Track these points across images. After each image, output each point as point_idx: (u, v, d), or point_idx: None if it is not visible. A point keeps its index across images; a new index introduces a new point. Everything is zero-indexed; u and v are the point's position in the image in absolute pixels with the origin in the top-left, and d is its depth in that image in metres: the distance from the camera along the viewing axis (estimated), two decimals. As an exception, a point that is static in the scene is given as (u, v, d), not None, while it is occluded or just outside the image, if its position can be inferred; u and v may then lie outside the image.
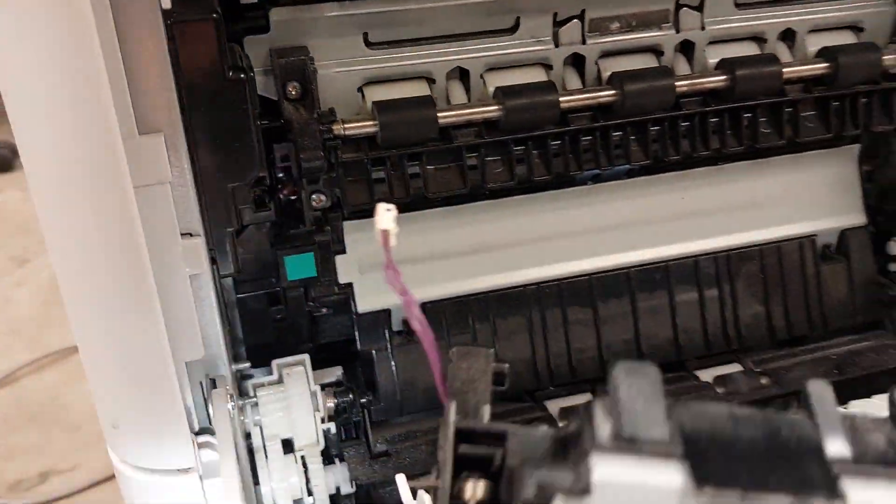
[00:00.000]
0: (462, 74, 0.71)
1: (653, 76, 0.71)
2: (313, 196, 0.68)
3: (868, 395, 0.61)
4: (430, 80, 0.69)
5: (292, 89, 0.64)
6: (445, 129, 0.68)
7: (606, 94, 0.70)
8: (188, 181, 0.52)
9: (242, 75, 0.54)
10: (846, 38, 0.78)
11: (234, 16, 0.62)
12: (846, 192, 0.85)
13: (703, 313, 0.81)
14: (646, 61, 0.74)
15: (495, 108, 0.68)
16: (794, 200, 0.84)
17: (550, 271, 0.77)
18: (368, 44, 0.67)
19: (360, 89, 0.68)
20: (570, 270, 0.77)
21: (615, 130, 0.73)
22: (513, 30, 0.70)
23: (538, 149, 0.72)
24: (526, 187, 0.73)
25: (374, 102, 0.66)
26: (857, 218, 0.85)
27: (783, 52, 0.77)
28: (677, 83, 0.71)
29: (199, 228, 0.53)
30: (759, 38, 0.76)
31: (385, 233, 0.42)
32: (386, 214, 0.42)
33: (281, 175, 0.66)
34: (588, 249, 0.78)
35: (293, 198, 0.69)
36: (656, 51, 0.74)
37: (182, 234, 0.52)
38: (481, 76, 0.70)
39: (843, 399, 0.61)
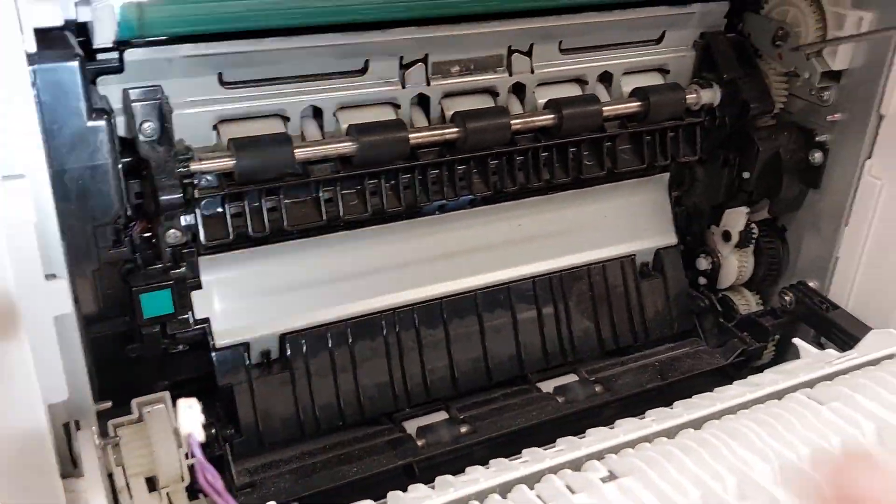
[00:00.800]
0: (315, 113, 0.74)
1: (490, 115, 0.77)
2: (169, 232, 0.69)
3: (689, 396, 0.69)
4: (285, 119, 0.72)
5: (148, 128, 0.65)
6: (302, 164, 0.71)
7: (451, 132, 0.76)
8: (53, 222, 0.51)
9: (104, 118, 0.54)
10: (655, 79, 0.88)
11: (88, 57, 0.62)
12: (659, 216, 0.96)
13: (542, 329, 0.88)
14: (483, 101, 0.80)
15: (349, 143, 0.71)
16: (616, 225, 0.93)
17: (404, 297, 0.81)
18: (223, 83, 0.69)
19: (215, 127, 0.70)
20: (422, 296, 0.82)
21: (459, 164, 0.78)
22: (363, 71, 0.74)
23: (390, 182, 0.76)
24: (379, 218, 0.77)
25: (230, 139, 0.68)
26: (669, 238, 0.96)
27: (602, 92, 0.86)
28: (512, 121, 0.78)
29: (62, 270, 0.53)
30: (580, 80, 0.85)
31: (190, 436, 0.37)
32: (188, 413, 0.37)
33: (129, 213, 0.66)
34: (438, 275, 0.83)
35: (147, 234, 0.70)
36: (492, 92, 0.80)
37: (46, 276, 0.52)
38: (334, 114, 0.74)
39: (668, 401, 0.68)
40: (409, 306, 0.81)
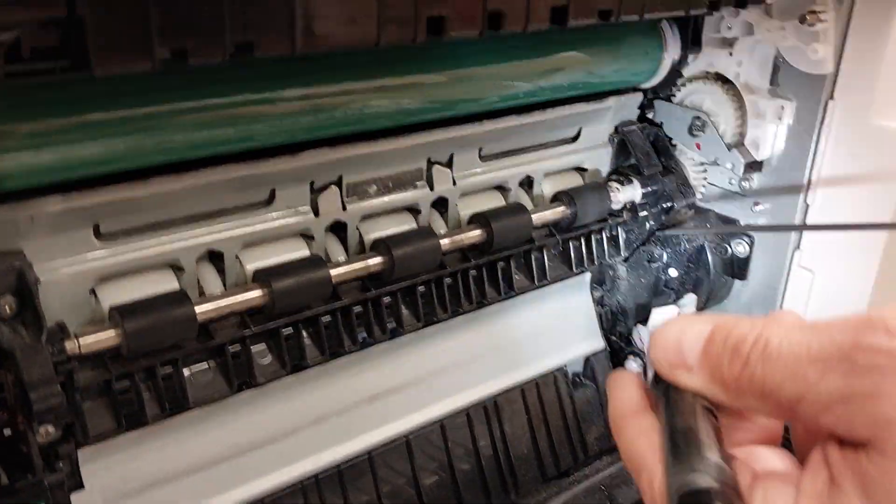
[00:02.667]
0: (214, 256, 0.61)
1: (418, 238, 0.67)
2: (41, 430, 0.54)
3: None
4: (178, 269, 0.59)
5: (6, 306, 0.50)
6: (204, 324, 0.58)
7: (375, 262, 0.65)
8: None
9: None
10: (575, 179, 0.82)
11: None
12: (584, 319, 0.89)
13: (480, 463, 0.78)
14: (403, 220, 0.70)
15: (260, 293, 0.59)
16: (543, 334, 0.85)
17: (325, 458, 0.69)
18: (99, 236, 0.55)
19: (92, 291, 0.56)
20: (345, 453, 0.70)
21: (385, 297, 0.68)
22: (268, 202, 0.62)
23: (309, 328, 0.64)
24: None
25: (112, 308, 0.54)
26: (596, 342, 0.89)
27: (524, 198, 0.78)
28: (441, 241, 0.68)
29: None
30: (502, 188, 0.77)
31: None
32: None
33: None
34: (362, 423, 0.71)
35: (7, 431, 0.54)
36: (413, 210, 0.71)
37: None
38: (237, 256, 0.62)
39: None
40: (332, 468, 0.69)
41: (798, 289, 0.83)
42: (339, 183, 0.65)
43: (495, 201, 0.76)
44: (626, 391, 0.36)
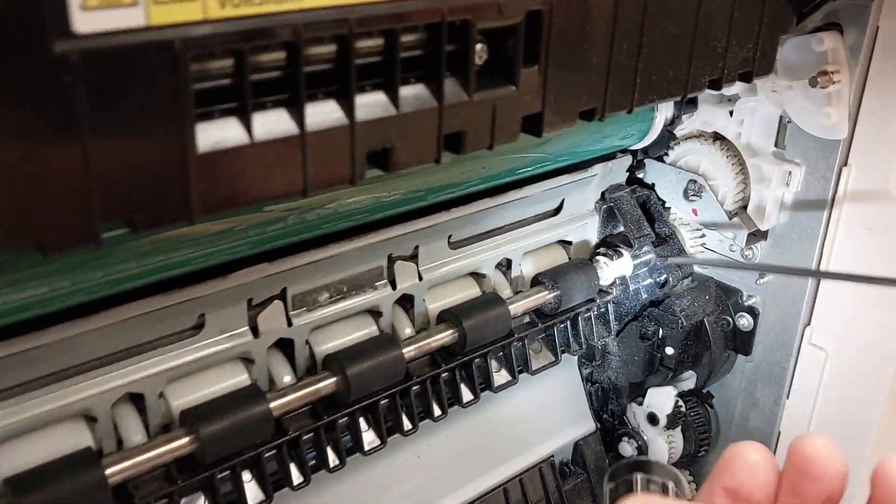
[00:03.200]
0: (133, 397, 0.52)
1: (377, 351, 0.58)
2: None
3: None
4: (91, 419, 0.50)
5: None
6: (119, 486, 0.49)
7: (326, 384, 0.56)
8: None
9: None
10: (559, 254, 0.73)
11: None
12: (573, 399, 0.81)
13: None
14: (361, 324, 0.61)
15: (186, 440, 0.50)
16: (526, 421, 0.77)
17: None
18: (-9, 397, 0.46)
19: (-17, 459, 0.47)
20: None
21: (341, 418, 0.59)
22: (197, 329, 0.53)
23: (252, 468, 0.56)
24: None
25: (5, 480, 0.46)
26: (586, 425, 0.81)
27: (501, 282, 0.69)
28: (405, 350, 0.60)
29: None
30: (476, 274, 0.68)
31: None
32: None
33: None
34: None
35: None
36: (374, 311, 0.62)
37: None
38: (161, 394, 0.53)
39: None
40: None
41: (809, 368, 0.74)
42: (282, 296, 0.56)
43: (468, 290, 0.67)
44: None
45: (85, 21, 0.29)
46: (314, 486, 0.61)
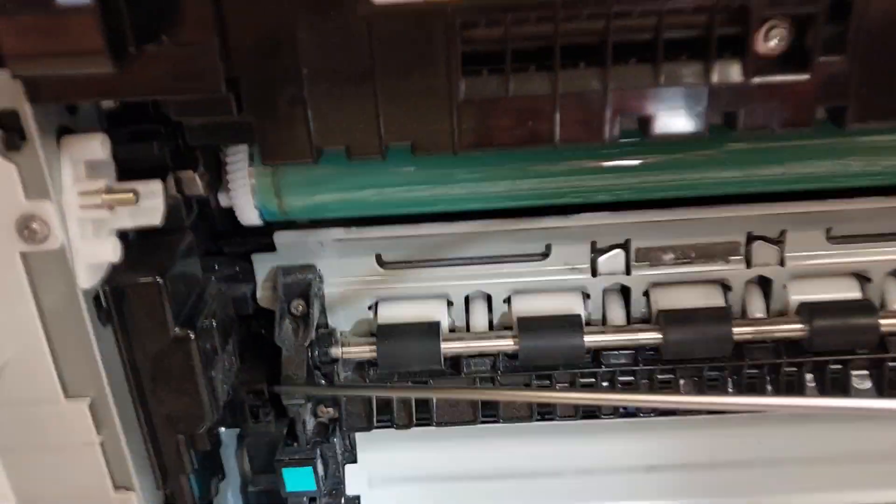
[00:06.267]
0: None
1: (703, 321, 0.60)
2: (319, 406, 0.66)
3: None
4: (449, 303, 0.64)
5: (298, 306, 0.62)
6: (456, 358, 0.63)
7: (647, 337, 0.61)
8: (120, 438, 0.51)
9: (190, 333, 0.52)
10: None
11: (241, 237, 0.62)
12: None
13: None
14: (709, 293, 0.63)
15: (511, 342, 0.61)
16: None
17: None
18: (382, 264, 0.63)
19: (372, 307, 0.65)
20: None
21: (661, 373, 0.63)
22: (544, 256, 0.63)
23: (564, 383, 0.64)
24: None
25: (378, 326, 0.63)
26: None
27: (893, 290, 0.63)
28: (736, 331, 0.60)
29: (133, 482, 0.52)
30: (861, 276, 0.63)
31: None
32: None
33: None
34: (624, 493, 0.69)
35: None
36: (724, 284, 0.63)
37: (117, 488, 0.52)
38: (505, 300, 0.64)
39: None
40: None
41: None
42: (625, 247, 0.62)
43: (846, 291, 0.63)
44: None
45: (381, -6, 0.40)
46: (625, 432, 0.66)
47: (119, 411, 0.50)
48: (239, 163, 0.56)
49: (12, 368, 0.47)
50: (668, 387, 0.64)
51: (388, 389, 0.64)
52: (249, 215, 0.58)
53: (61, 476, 0.50)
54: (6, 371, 0.47)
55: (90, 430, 0.49)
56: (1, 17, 0.35)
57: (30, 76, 0.39)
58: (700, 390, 0.64)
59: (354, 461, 0.69)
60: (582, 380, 0.63)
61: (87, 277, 0.46)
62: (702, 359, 0.62)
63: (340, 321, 0.65)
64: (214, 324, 0.54)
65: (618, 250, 0.62)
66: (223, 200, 0.58)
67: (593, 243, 0.62)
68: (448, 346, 0.61)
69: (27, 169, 0.42)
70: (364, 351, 0.62)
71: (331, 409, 0.66)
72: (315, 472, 0.66)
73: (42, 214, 0.43)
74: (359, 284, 0.64)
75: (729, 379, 0.63)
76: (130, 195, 0.45)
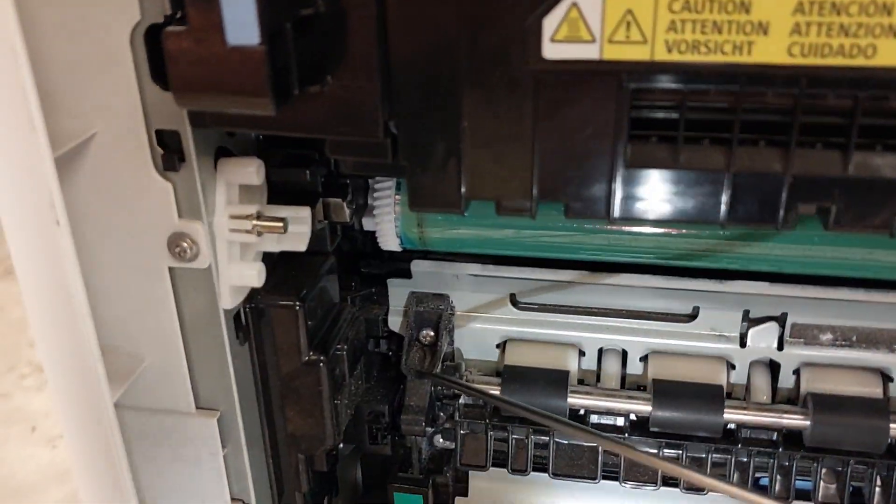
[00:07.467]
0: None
1: (859, 411, 0.55)
2: (436, 437, 0.65)
3: None
4: (581, 352, 0.62)
5: (427, 335, 0.61)
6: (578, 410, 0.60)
7: (794, 419, 0.57)
8: (243, 452, 0.52)
9: (322, 358, 0.52)
10: None
11: (379, 259, 0.62)
12: None
13: None
14: (866, 380, 0.58)
15: (643, 404, 0.58)
16: None
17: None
18: (515, 303, 0.62)
19: (500, 346, 0.63)
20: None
21: (801, 460, 0.58)
22: (690, 318, 0.59)
23: (696, 454, 0.60)
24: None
25: (505, 366, 0.61)
26: None
27: None
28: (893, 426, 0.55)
29: (250, 495, 0.53)
30: None
31: None
32: None
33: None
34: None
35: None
36: (885, 374, 0.58)
37: (233, 500, 0.53)
38: (642, 358, 0.61)
39: None
40: None
41: None
42: (781, 321, 0.58)
43: None
44: None
45: (553, 50, 0.38)
46: None
47: (245, 426, 0.51)
48: (386, 190, 0.55)
49: (150, 377, 0.48)
50: (807, 474, 0.59)
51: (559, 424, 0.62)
52: (390, 242, 0.57)
53: (182, 483, 0.52)
54: (144, 379, 0.48)
55: (216, 443, 0.50)
56: (173, 48, 0.35)
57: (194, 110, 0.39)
58: (840, 483, 0.58)
59: (465, 494, 0.68)
60: (715, 455, 0.59)
61: (230, 299, 0.46)
62: (849, 451, 0.57)
63: (468, 353, 0.64)
64: (346, 351, 0.54)
65: (772, 323, 0.58)
66: (366, 224, 0.58)
67: (746, 312, 0.58)
68: (575, 400, 0.59)
69: (183, 189, 0.43)
70: (488, 388, 0.61)
71: (448, 443, 0.65)
72: (426, 501, 0.66)
73: (193, 234, 0.44)
74: (489, 322, 0.62)
75: (878, 476, 0.58)
76: (280, 224, 0.45)
